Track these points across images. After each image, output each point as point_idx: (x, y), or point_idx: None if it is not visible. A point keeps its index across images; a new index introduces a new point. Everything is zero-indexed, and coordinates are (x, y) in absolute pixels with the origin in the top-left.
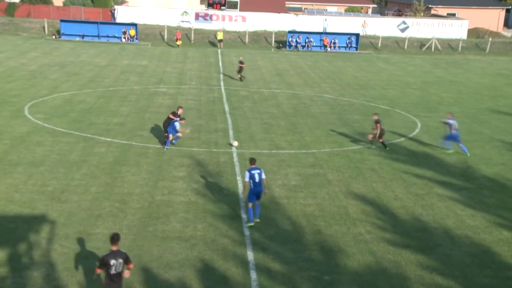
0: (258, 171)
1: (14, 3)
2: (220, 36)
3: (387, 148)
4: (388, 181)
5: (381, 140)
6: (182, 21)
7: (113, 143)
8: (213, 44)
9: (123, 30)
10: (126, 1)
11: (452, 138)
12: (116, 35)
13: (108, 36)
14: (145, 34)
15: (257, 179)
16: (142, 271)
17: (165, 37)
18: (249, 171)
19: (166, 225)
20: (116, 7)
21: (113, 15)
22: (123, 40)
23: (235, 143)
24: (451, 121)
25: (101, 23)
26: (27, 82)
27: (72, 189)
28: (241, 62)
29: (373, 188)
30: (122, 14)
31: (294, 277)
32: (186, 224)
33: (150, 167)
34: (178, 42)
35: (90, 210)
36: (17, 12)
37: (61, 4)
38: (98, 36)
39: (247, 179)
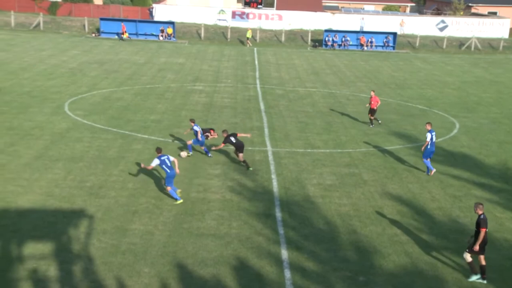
0: (166, 156)
1: (56, 2)
2: (248, 34)
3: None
4: (424, 182)
5: None
6: (219, 20)
7: (150, 140)
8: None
9: (160, 28)
10: (164, 0)
11: None
12: (154, 33)
13: (146, 34)
14: (182, 32)
15: (169, 163)
16: (177, 268)
17: (202, 35)
18: (159, 158)
19: (201, 222)
20: (154, 5)
21: (151, 13)
22: (161, 38)
23: (183, 154)
24: None
25: (139, 21)
26: (68, 79)
27: (110, 185)
28: None
29: (409, 188)
30: (160, 12)
31: (329, 277)
32: (221, 221)
33: (186, 164)
34: (125, 35)
35: (127, 206)
36: (59, 10)
37: (101, 3)
38: (136, 34)
39: (153, 164)
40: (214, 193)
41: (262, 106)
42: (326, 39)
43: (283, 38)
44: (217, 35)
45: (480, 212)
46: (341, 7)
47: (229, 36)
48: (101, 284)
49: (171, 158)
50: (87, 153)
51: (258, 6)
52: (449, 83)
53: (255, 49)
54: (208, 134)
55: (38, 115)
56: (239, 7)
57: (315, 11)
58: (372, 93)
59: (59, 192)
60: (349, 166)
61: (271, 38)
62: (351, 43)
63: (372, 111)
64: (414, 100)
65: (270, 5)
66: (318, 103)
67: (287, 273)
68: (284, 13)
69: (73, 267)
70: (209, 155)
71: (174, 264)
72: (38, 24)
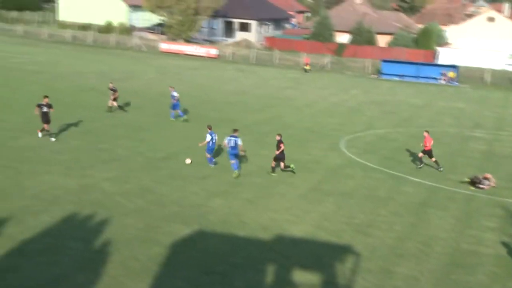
0: (235, 138)
1: (344, 44)
2: None
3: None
4: None
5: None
6: (508, 64)
7: (421, 184)
8: None
9: (441, 72)
10: (450, 43)
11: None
12: (435, 77)
13: (426, 77)
14: (465, 76)
15: (232, 144)
16: None
17: (487, 80)
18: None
19: (471, 276)
20: (438, 48)
21: (435, 56)
22: (441, 81)
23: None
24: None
25: (421, 64)
26: (346, 118)
27: (377, 224)
28: (112, 90)
29: None
30: (444, 55)
31: None
32: (494, 278)
33: (458, 212)
34: (307, 67)
35: (393, 247)
36: (345, 52)
37: (385, 45)
38: (416, 76)
39: (225, 141)
40: (488, 247)
41: None
42: None
43: None
44: (504, 80)
45: None
46: None
47: None
48: None
49: (239, 142)
50: (358, 190)
51: None
52: None
53: None
54: (486, 182)
55: (315, 150)
56: None
57: None
58: (426, 134)
59: (329, 225)
60: None
61: None
62: None
63: (428, 153)
64: None
65: None
66: None
67: None
68: None
69: None
70: (213, 160)
71: None
72: (325, 64)
